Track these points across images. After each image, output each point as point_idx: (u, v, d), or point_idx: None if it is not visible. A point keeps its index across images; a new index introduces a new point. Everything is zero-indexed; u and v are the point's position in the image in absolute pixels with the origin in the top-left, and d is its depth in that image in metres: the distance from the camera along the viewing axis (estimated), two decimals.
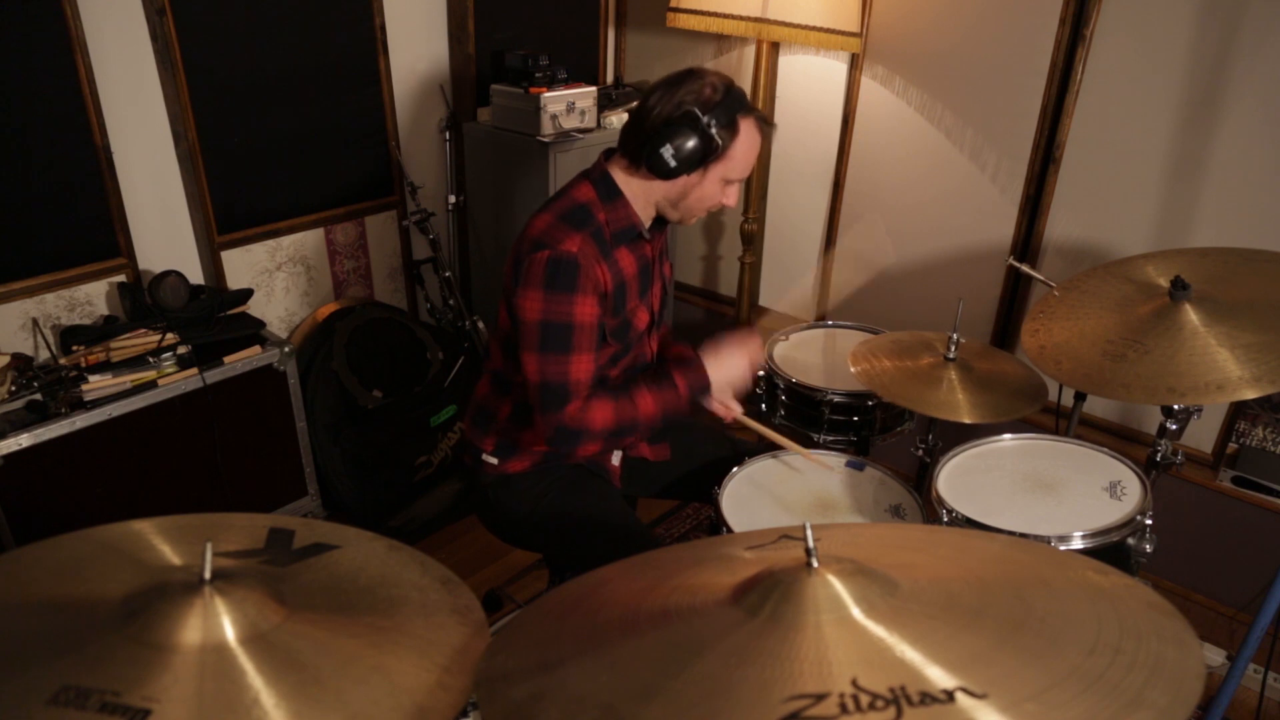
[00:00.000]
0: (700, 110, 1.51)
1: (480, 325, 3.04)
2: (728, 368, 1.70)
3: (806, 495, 1.72)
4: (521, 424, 1.75)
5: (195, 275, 2.62)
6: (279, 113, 2.65)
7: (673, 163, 1.52)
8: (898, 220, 2.88)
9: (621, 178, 1.62)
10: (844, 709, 0.67)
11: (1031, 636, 0.76)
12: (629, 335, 1.69)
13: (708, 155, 1.54)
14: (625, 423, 1.60)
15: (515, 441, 1.76)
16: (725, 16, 2.56)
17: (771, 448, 1.84)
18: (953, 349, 1.89)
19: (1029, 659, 0.73)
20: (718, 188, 1.60)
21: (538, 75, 2.78)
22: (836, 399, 1.98)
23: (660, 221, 1.72)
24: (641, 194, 1.63)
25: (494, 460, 1.77)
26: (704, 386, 1.67)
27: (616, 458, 1.85)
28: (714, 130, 1.51)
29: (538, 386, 1.57)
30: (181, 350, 2.36)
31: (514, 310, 1.59)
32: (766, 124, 1.61)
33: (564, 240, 1.54)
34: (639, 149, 1.56)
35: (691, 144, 1.51)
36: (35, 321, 2.34)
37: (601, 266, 1.58)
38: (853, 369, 1.91)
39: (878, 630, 0.76)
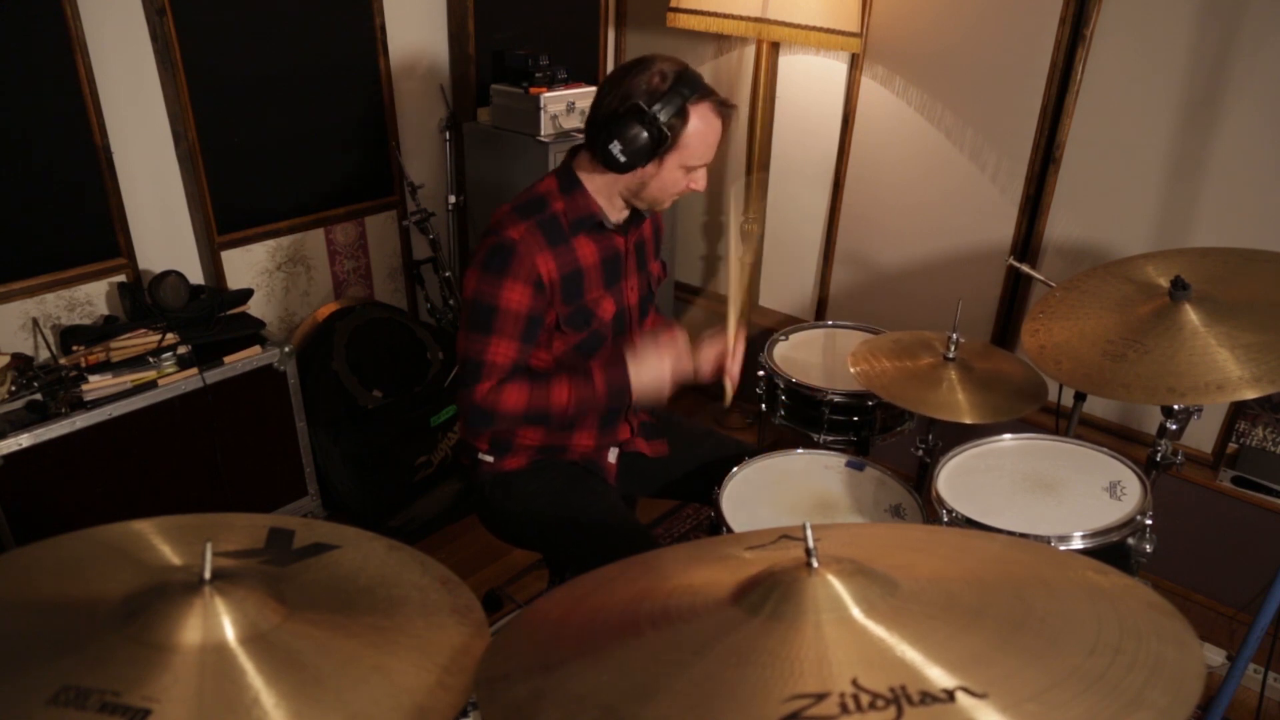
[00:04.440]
0: (646, 102, 1.50)
1: None
2: (648, 371, 1.61)
3: (806, 495, 1.72)
4: None
5: (195, 275, 2.61)
6: (279, 113, 2.65)
7: (622, 158, 1.53)
8: (898, 220, 2.88)
9: (585, 171, 1.64)
10: (844, 709, 0.67)
11: (1031, 636, 0.76)
12: (590, 324, 1.69)
13: (658, 147, 1.53)
14: (537, 409, 1.62)
15: (510, 438, 1.77)
16: (725, 16, 2.56)
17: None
18: (952, 349, 1.89)
19: (1029, 659, 0.73)
20: (678, 175, 1.60)
21: (538, 75, 2.78)
22: (836, 399, 1.98)
23: (638, 216, 1.72)
24: (605, 186, 1.64)
25: (490, 458, 1.78)
26: (623, 387, 1.61)
27: (613, 455, 1.85)
28: (662, 121, 1.51)
29: (460, 362, 1.64)
30: (181, 350, 2.36)
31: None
32: (725, 106, 1.59)
33: (509, 228, 1.57)
34: (593, 144, 1.57)
35: (640, 138, 1.51)
36: (35, 321, 2.34)
37: (545, 255, 1.59)
38: (852, 370, 1.91)
39: (878, 630, 0.76)
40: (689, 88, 1.53)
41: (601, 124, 1.55)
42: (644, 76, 1.53)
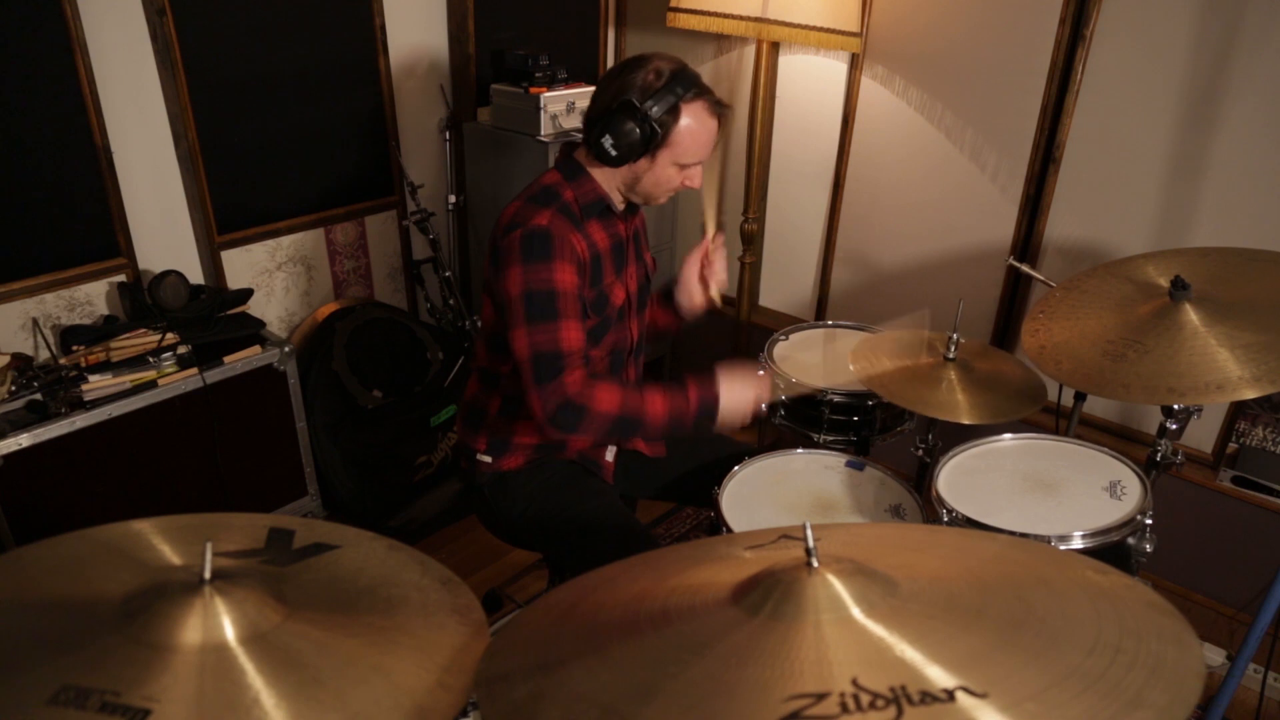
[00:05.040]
0: (639, 99, 1.52)
1: (480, 325, 3.04)
2: (738, 396, 1.62)
3: (806, 495, 1.72)
4: (512, 418, 1.75)
5: (195, 275, 2.61)
6: (279, 113, 2.65)
7: (613, 152, 1.55)
8: (898, 220, 2.88)
9: (585, 163, 1.66)
10: (844, 708, 0.67)
11: (1031, 636, 0.76)
12: (606, 309, 1.70)
13: (649, 143, 1.55)
14: (630, 414, 1.55)
15: (507, 438, 1.77)
16: (725, 16, 2.56)
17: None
18: (953, 349, 1.89)
19: (1029, 659, 0.73)
20: (672, 172, 1.61)
21: (538, 75, 2.78)
22: (836, 399, 1.98)
23: (632, 206, 1.74)
24: (604, 179, 1.66)
25: (488, 459, 1.78)
26: (713, 404, 1.61)
27: (610, 454, 1.86)
28: (653, 118, 1.52)
29: (530, 361, 1.53)
30: (181, 350, 2.36)
31: (498, 294, 1.61)
32: (720, 106, 1.60)
33: (534, 217, 1.57)
34: (588, 138, 1.59)
35: (630, 133, 1.53)
36: (35, 321, 2.34)
37: (576, 236, 1.59)
38: (852, 368, 1.91)
39: (878, 630, 0.76)
40: (683, 85, 1.54)
41: (595, 118, 1.56)
42: (640, 73, 1.54)
